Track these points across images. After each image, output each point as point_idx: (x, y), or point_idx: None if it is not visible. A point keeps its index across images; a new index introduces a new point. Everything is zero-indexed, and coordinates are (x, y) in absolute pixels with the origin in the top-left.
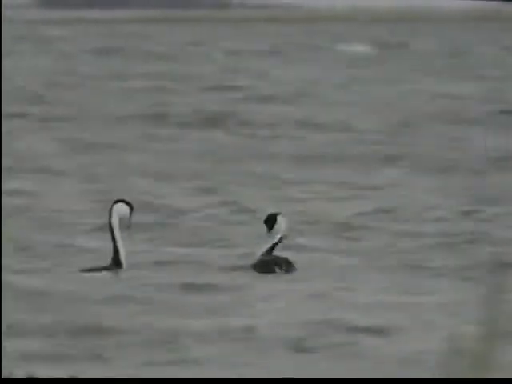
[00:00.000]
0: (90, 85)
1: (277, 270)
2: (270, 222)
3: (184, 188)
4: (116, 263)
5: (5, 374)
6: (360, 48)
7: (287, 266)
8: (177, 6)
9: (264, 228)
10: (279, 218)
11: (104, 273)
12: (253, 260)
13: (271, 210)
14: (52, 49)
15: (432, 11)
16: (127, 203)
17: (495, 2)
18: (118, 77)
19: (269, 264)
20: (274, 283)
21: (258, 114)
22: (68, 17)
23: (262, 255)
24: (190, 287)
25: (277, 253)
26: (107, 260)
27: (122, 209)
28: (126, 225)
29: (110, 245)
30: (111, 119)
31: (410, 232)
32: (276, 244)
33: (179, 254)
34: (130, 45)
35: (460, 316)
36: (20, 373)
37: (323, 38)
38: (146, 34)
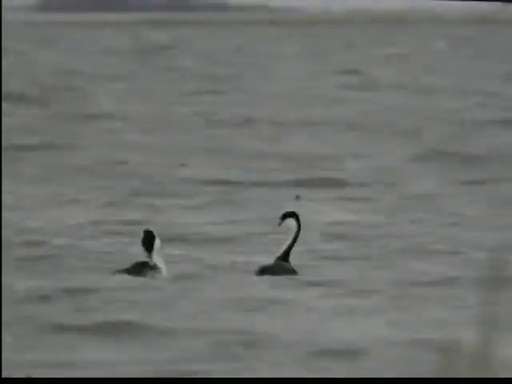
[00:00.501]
0: (93, 84)
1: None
2: (284, 219)
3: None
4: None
5: (5, 375)
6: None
7: (291, 272)
8: (176, 9)
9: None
10: (292, 220)
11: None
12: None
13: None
14: (55, 49)
15: (432, 12)
16: (152, 234)
17: (495, 2)
18: (121, 77)
19: (274, 269)
20: (282, 288)
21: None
22: (67, 20)
23: (279, 258)
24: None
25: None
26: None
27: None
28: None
29: (112, 246)
30: (114, 119)
31: (415, 232)
32: (291, 245)
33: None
34: (132, 45)
35: (461, 316)
36: (19, 373)
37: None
38: (147, 35)
